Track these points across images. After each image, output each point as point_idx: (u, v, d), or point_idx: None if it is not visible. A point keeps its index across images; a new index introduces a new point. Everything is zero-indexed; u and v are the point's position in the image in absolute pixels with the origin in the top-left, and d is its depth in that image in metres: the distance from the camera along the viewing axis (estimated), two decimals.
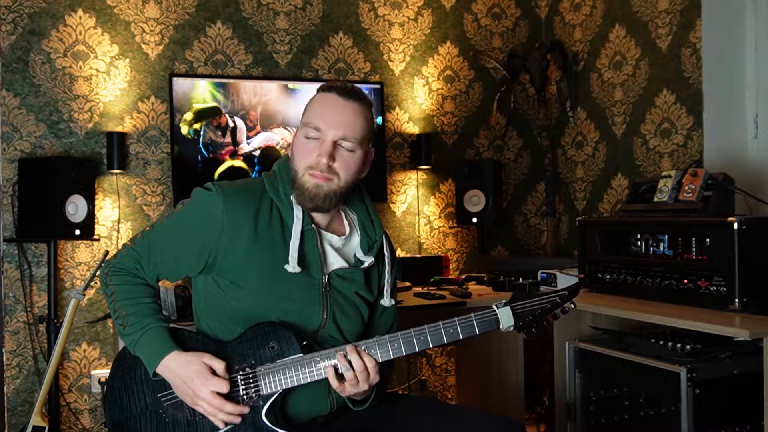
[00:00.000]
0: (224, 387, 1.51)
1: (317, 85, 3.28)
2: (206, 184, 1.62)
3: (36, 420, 2.54)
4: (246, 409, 1.53)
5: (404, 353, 1.55)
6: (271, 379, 1.55)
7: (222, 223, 1.56)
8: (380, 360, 1.54)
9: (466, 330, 1.55)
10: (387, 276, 1.74)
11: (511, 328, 1.56)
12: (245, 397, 1.55)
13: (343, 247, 1.68)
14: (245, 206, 1.58)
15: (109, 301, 1.63)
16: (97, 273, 2.68)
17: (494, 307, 1.57)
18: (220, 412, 1.51)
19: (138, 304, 1.61)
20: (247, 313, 1.58)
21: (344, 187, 1.62)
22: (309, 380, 1.54)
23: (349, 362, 1.51)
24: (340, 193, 1.62)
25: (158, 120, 3.16)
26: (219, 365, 1.53)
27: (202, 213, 1.59)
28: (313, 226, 1.62)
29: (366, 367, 1.52)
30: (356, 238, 1.71)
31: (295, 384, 1.54)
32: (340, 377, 1.52)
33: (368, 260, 1.68)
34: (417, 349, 1.55)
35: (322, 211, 1.62)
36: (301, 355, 1.55)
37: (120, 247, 1.71)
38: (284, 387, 1.54)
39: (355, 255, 1.69)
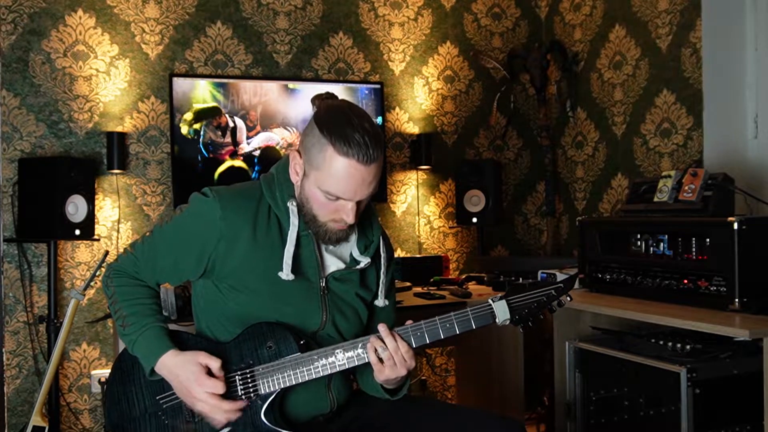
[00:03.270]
0: (219, 388, 1.51)
1: (317, 85, 3.33)
2: (204, 189, 1.61)
3: (36, 420, 2.54)
4: (243, 403, 1.53)
5: (414, 345, 1.55)
6: (269, 379, 1.55)
7: (220, 230, 1.56)
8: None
9: (462, 324, 1.56)
10: (383, 276, 1.73)
11: (507, 322, 1.56)
12: (243, 397, 1.55)
13: (339, 247, 1.68)
14: (243, 212, 1.58)
15: (110, 303, 1.64)
16: (98, 273, 2.69)
17: (490, 301, 1.57)
18: (218, 411, 1.51)
19: (138, 304, 1.61)
20: (246, 316, 1.59)
21: None
22: (307, 379, 1.54)
23: (384, 344, 1.53)
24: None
25: (158, 120, 3.16)
26: (215, 363, 1.53)
27: (200, 219, 1.58)
28: (309, 231, 1.61)
29: (399, 348, 1.52)
30: (353, 238, 1.70)
31: (293, 383, 1.54)
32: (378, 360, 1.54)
33: (364, 261, 1.68)
34: (414, 345, 1.55)
35: (345, 240, 1.64)
36: (299, 354, 1.55)
37: (121, 251, 1.71)
38: (282, 386, 1.54)
39: (351, 254, 1.69)
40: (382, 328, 1.54)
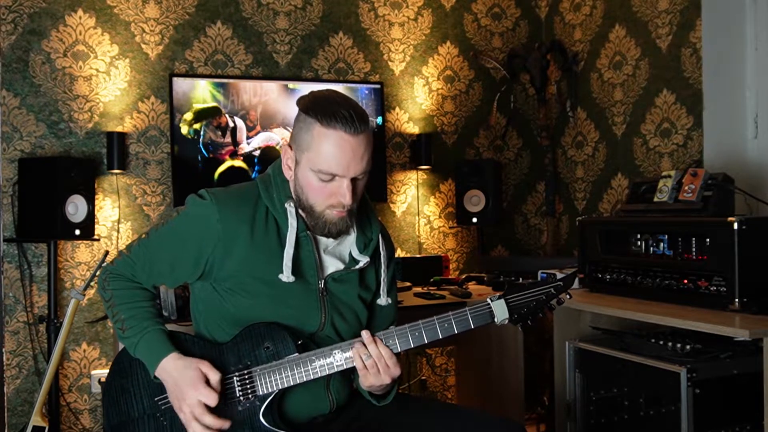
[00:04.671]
0: (212, 400, 1.49)
1: (317, 85, 3.33)
2: (200, 191, 1.61)
3: (36, 420, 2.54)
4: (227, 424, 1.51)
5: (399, 350, 1.55)
6: (267, 380, 1.54)
7: (217, 233, 1.55)
8: None
9: (460, 324, 1.55)
10: (383, 274, 1.73)
11: (506, 321, 1.55)
12: (241, 398, 1.55)
13: (338, 246, 1.67)
14: (240, 215, 1.57)
15: (107, 306, 1.64)
16: (97, 273, 2.68)
17: (488, 300, 1.56)
18: (196, 422, 1.49)
19: (136, 307, 1.61)
20: (244, 318, 1.58)
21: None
22: (305, 379, 1.54)
23: (368, 351, 1.52)
24: (356, 209, 1.62)
25: (158, 120, 3.16)
26: (214, 376, 1.52)
27: (197, 222, 1.58)
28: (308, 232, 1.61)
29: (382, 355, 1.51)
30: (352, 236, 1.69)
31: (291, 384, 1.54)
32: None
33: (363, 260, 1.67)
34: (412, 345, 1.54)
35: (346, 234, 1.63)
36: (297, 354, 1.55)
37: (116, 254, 1.71)
38: (280, 387, 1.54)
39: (350, 253, 1.69)
40: (365, 334, 1.53)
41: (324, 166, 1.52)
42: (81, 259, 3.05)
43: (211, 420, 1.49)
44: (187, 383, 1.51)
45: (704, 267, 2.11)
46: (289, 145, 1.60)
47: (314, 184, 1.55)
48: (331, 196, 1.55)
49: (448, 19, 3.67)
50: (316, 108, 1.53)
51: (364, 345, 1.52)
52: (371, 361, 1.51)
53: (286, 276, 1.56)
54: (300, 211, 1.60)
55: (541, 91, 3.66)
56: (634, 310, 2.14)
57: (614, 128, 3.37)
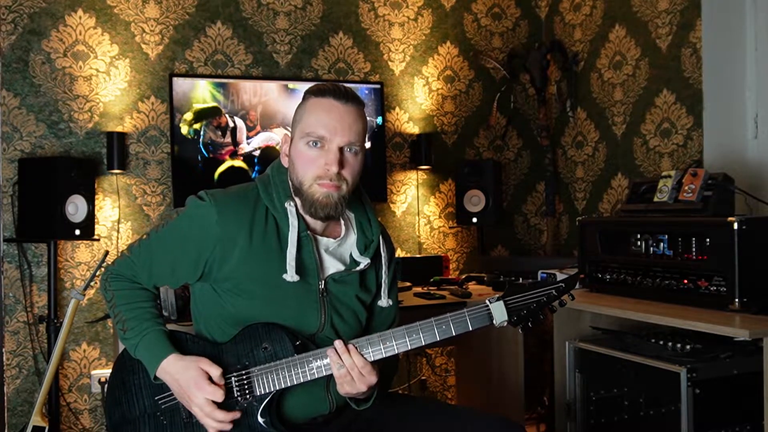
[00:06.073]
0: (218, 396, 1.51)
1: None
2: (200, 192, 1.61)
3: (36, 420, 2.54)
4: (237, 415, 1.53)
5: (396, 352, 1.54)
6: (265, 380, 1.54)
7: (216, 234, 1.55)
8: (372, 359, 1.53)
9: (458, 326, 1.53)
10: (384, 276, 1.73)
11: (505, 323, 1.54)
12: (239, 398, 1.55)
13: (338, 248, 1.67)
14: (240, 216, 1.57)
15: (109, 306, 1.64)
16: (97, 273, 2.69)
17: (487, 302, 1.54)
18: (211, 419, 1.51)
19: (137, 308, 1.61)
20: (244, 319, 1.58)
21: (351, 191, 1.62)
22: (302, 380, 1.54)
23: (341, 360, 1.51)
24: (348, 197, 1.61)
25: (158, 120, 3.16)
26: (215, 371, 1.53)
27: (196, 224, 1.58)
28: (308, 232, 1.61)
29: (356, 365, 1.51)
30: (352, 237, 1.70)
31: (288, 384, 1.54)
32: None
33: (364, 261, 1.67)
34: (410, 347, 1.53)
35: (334, 219, 1.62)
36: (295, 355, 1.55)
37: (118, 254, 1.72)
38: (278, 388, 1.54)
39: (351, 255, 1.68)
40: (338, 344, 1.52)
41: (312, 128, 1.57)
42: (81, 259, 3.05)
43: (222, 415, 1.51)
44: (190, 384, 1.51)
45: (704, 267, 2.11)
46: (288, 135, 1.65)
47: (303, 153, 1.58)
48: (319, 167, 1.56)
49: (448, 19, 3.67)
50: (312, 88, 1.63)
51: (338, 353, 1.52)
52: (344, 370, 1.51)
53: (291, 276, 1.56)
54: (298, 208, 1.61)
55: (541, 91, 3.66)
56: (634, 310, 2.14)
57: (614, 128, 3.37)
